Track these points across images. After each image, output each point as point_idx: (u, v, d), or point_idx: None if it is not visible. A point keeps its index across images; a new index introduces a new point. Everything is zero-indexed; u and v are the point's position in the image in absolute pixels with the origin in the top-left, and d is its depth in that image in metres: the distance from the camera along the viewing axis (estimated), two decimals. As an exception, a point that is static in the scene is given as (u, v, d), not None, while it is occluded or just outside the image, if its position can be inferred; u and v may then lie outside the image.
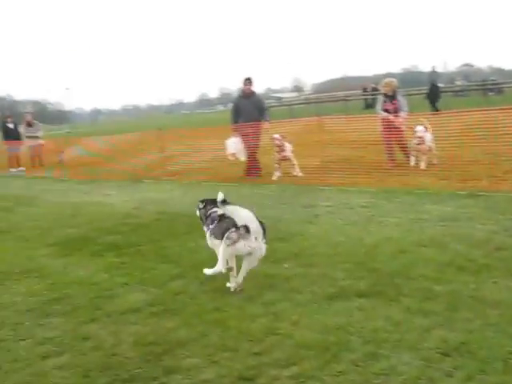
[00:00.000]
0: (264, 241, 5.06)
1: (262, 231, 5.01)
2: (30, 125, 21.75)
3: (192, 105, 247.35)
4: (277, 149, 11.94)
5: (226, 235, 4.99)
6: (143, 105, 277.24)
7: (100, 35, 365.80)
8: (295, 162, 11.96)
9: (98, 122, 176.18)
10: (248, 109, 12.70)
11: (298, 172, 11.85)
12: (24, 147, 21.39)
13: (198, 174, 13.30)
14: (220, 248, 5.06)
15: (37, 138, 21.40)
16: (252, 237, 4.94)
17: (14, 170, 20.33)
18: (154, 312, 4.83)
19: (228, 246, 4.97)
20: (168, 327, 4.47)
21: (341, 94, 56.06)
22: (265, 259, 5.20)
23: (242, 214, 5.00)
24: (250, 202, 9.25)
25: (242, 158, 12.56)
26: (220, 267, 5.03)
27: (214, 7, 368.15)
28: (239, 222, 4.95)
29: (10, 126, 21.87)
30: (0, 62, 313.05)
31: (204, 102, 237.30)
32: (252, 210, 5.07)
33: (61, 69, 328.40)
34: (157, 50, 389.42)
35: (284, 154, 11.92)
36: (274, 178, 11.78)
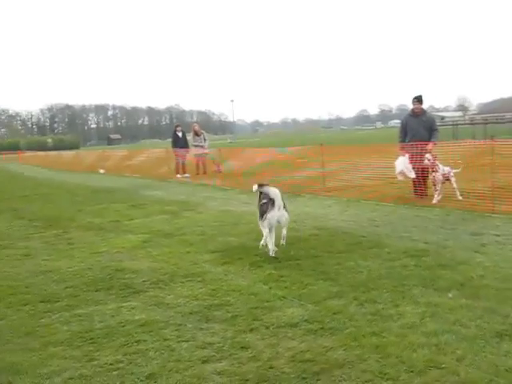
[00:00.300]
0: (285, 209, 7.49)
1: (283, 204, 7.36)
2: (197, 134, 22.91)
3: (350, 120, 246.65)
4: (430, 170, 11.55)
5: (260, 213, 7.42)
6: (302, 119, 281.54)
7: (266, 50, 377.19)
8: (455, 186, 11.40)
9: (258, 134, 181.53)
10: (416, 128, 12.35)
11: (458, 196, 11.29)
12: (190, 155, 22.55)
13: (358, 191, 13.14)
14: (259, 223, 7.49)
15: (202, 147, 22.48)
16: (276, 208, 7.25)
17: (180, 176, 21.52)
18: (311, 329, 4.80)
19: (263, 220, 7.35)
20: (325, 346, 4.42)
21: (510, 115, 52.94)
22: (427, 285, 4.98)
23: (271, 191, 7.32)
24: (412, 225, 9.02)
25: (412, 175, 12.16)
26: (264, 236, 7.41)
27: (374, 22, 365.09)
28: (270, 196, 7.27)
29: (179, 134, 23.17)
30: (171, 75, 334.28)
31: (363, 118, 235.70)
32: (279, 188, 7.46)
33: (226, 81, 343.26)
34: (319, 66, 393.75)
35: (435, 174, 11.45)
36: (434, 201, 11.29)
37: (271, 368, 4.11)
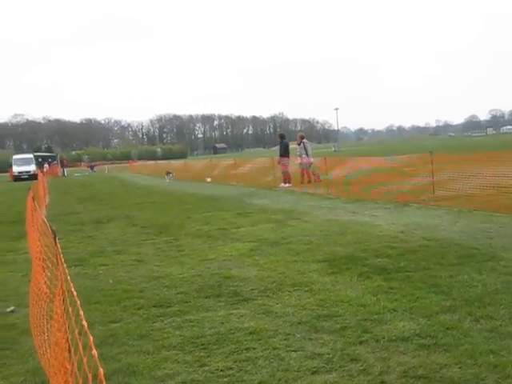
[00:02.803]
0: None
1: None
2: (300, 143, 22.93)
3: (459, 127, 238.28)
4: None
5: None
6: (408, 126, 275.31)
7: (371, 56, 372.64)
8: None
9: (363, 142, 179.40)
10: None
11: None
12: (295, 164, 22.62)
13: (469, 201, 12.62)
14: None
15: (307, 156, 22.46)
16: None
17: (284, 185, 21.60)
18: (423, 344, 4.64)
19: None
20: (439, 363, 4.26)
21: None
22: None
23: None
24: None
25: None
26: None
27: (485, 19, 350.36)
28: None
29: (283, 143, 23.24)
30: (276, 83, 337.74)
31: (472, 125, 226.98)
32: None
33: (330, 88, 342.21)
34: (425, 70, 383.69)
35: None
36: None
37: (382, 383, 4.02)
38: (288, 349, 4.77)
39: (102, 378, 1.55)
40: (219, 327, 5.44)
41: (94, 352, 1.73)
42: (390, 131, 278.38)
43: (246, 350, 4.81)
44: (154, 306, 6.28)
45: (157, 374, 4.46)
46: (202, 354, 4.81)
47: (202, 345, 5.01)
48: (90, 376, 1.71)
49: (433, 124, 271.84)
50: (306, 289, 6.52)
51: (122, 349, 5.06)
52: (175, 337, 5.27)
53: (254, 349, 4.81)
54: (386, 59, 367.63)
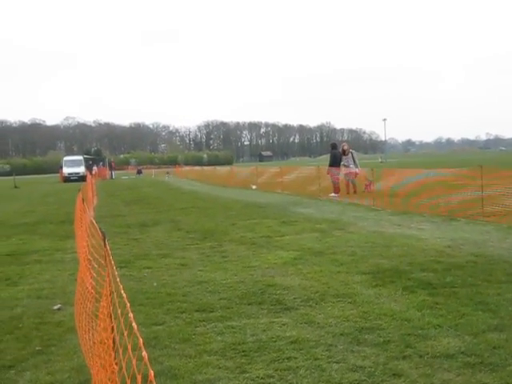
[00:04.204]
0: None
1: None
2: (345, 153, 22.76)
3: (511, 141, 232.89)
4: None
5: None
6: (457, 139, 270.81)
7: (419, 66, 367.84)
8: None
9: (410, 154, 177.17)
10: None
11: None
12: (340, 174, 22.44)
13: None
14: None
15: (351, 166, 22.27)
16: None
17: (333, 195, 21.43)
18: (468, 362, 4.54)
19: None
20: (484, 383, 4.16)
21: None
22: None
23: None
24: None
25: None
26: None
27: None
28: None
29: (334, 152, 23.07)
30: (323, 93, 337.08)
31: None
32: None
33: (378, 98, 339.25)
34: (476, 82, 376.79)
35: None
36: None
37: (426, 399, 3.95)
38: (330, 360, 4.74)
39: (152, 379, 1.57)
40: (261, 335, 5.44)
41: (144, 354, 1.76)
42: (438, 143, 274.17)
43: (287, 358, 4.80)
44: (197, 311, 6.33)
45: (198, 378, 4.50)
46: (243, 360, 4.82)
47: (243, 351, 5.02)
48: (139, 377, 1.74)
49: (483, 137, 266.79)
50: (350, 300, 6.47)
51: (164, 351, 5.12)
52: (217, 342, 5.29)
53: (296, 358, 4.80)
54: (436, 70, 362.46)
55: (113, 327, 2.88)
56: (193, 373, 4.60)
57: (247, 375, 4.50)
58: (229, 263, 8.96)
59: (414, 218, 13.81)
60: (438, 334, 5.22)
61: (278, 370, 4.58)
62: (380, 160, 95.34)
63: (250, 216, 15.65)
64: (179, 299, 6.87)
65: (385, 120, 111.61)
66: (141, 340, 1.87)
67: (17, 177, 55.77)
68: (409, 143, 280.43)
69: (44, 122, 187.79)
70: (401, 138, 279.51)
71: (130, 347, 1.99)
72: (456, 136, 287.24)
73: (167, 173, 60.35)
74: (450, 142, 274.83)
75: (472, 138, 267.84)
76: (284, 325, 5.71)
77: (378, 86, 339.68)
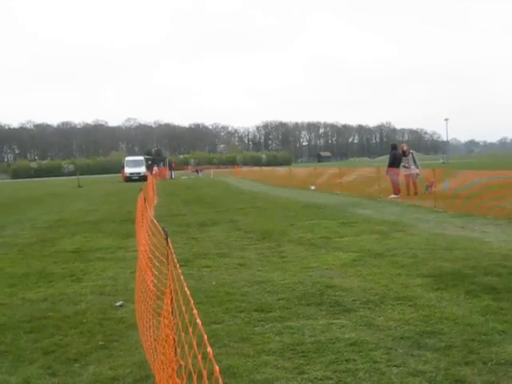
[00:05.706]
0: None
1: None
2: (405, 154, 22.31)
3: None
4: None
5: None
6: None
7: (482, 64, 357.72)
8: None
9: (473, 155, 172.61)
10: None
11: None
12: (400, 175, 22.06)
13: None
14: None
15: (415, 166, 21.84)
16: None
17: (394, 196, 21.09)
18: (535, 370, 4.40)
19: None
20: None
21: None
22: None
23: None
24: None
25: None
26: None
27: None
28: None
29: (393, 153, 22.64)
30: (384, 92, 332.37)
31: None
32: None
33: (440, 98, 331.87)
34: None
35: None
36: None
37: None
38: (389, 363, 4.67)
39: (218, 375, 1.60)
40: (319, 336, 5.42)
41: (209, 350, 1.78)
42: (503, 144, 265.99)
43: (346, 360, 4.77)
44: (256, 311, 6.36)
45: (256, 377, 4.52)
46: (301, 361, 4.82)
47: (301, 352, 5.01)
48: (204, 372, 1.77)
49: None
50: (410, 303, 6.36)
51: (222, 350, 5.17)
52: (275, 342, 5.31)
53: (355, 360, 4.76)
54: (501, 69, 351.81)
55: (175, 324, 2.93)
56: (251, 372, 4.63)
57: (305, 376, 4.50)
58: (287, 264, 8.96)
59: (478, 220, 13.45)
60: (503, 341, 5.07)
61: (336, 371, 4.55)
62: (442, 161, 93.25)
63: (308, 217, 15.60)
64: (238, 298, 6.92)
65: (447, 120, 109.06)
66: (205, 336, 1.90)
67: (80, 176, 57.61)
68: (472, 144, 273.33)
69: (106, 123, 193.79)
70: (463, 138, 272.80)
71: (195, 343, 2.03)
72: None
73: (196, 170, 71.96)
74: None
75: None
76: (343, 326, 5.67)
77: (440, 85, 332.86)
